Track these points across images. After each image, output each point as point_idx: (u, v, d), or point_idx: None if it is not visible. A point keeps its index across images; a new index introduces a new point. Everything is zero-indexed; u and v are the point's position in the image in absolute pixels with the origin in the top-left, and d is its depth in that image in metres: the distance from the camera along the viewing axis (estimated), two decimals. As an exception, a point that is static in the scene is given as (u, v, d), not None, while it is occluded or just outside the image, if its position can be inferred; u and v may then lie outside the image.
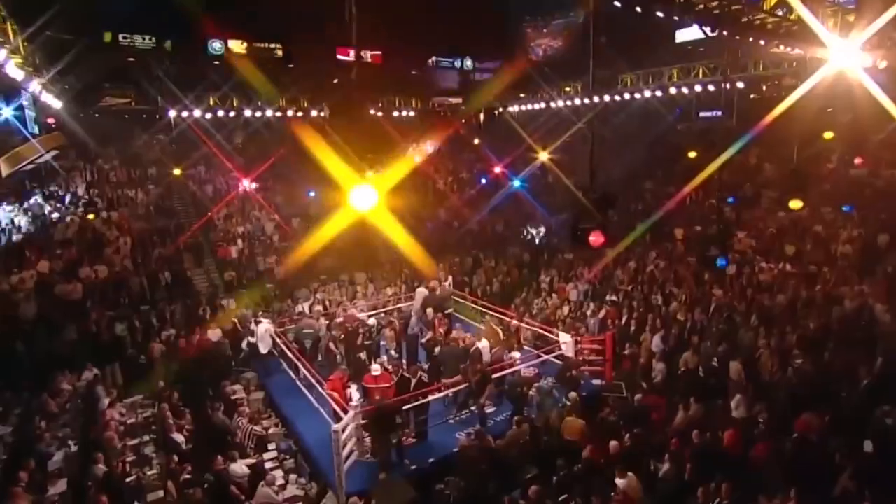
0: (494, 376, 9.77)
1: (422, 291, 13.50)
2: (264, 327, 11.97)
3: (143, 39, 21.77)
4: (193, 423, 9.88)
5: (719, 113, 22.30)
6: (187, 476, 8.22)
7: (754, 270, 15.23)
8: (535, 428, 9.04)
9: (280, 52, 25.09)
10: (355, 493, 7.67)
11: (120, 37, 21.36)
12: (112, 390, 10.79)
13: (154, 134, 20.46)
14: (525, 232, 20.71)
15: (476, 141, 26.14)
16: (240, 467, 8.29)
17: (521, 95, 24.51)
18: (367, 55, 27.43)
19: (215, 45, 22.94)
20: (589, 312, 14.32)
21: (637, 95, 20.94)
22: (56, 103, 15.40)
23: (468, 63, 28.64)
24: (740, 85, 18.92)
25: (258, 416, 10.11)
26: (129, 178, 20.51)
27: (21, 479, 7.90)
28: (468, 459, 8.22)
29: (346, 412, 8.48)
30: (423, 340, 11.40)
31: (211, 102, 19.11)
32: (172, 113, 18.76)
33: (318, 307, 14.78)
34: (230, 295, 16.42)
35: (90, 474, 8.10)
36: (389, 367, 9.50)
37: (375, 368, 9.10)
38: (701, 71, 20.25)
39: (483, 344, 10.33)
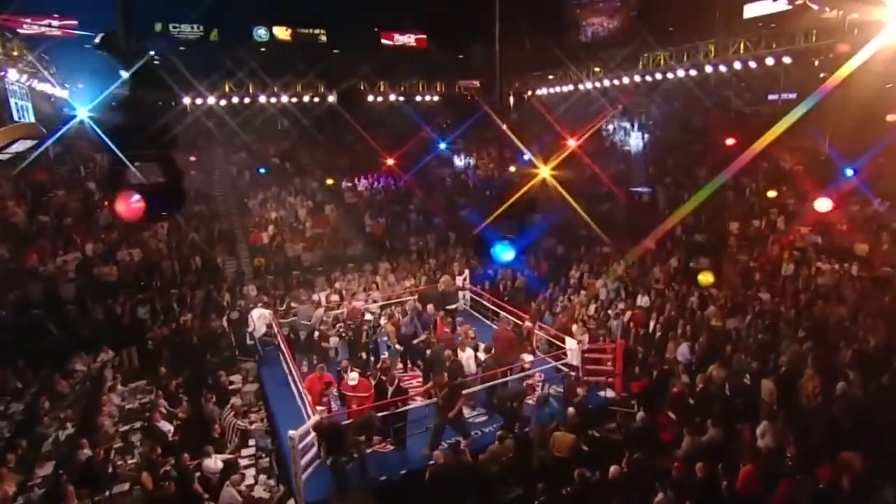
0: (486, 385, 9.12)
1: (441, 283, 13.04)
2: (258, 313, 11.91)
3: (192, 28, 22.37)
4: (188, 412, 9.96)
5: (793, 95, 20.08)
6: (167, 468, 8.20)
7: (812, 272, 13.54)
8: (523, 444, 8.35)
9: (324, 38, 25.05)
10: (315, 501, 7.35)
11: (170, 26, 22.06)
12: (117, 375, 11.07)
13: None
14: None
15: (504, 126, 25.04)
16: (214, 462, 8.20)
17: (550, 77, 23.12)
18: (412, 39, 26.96)
19: (260, 32, 23.21)
20: (613, 314, 13.25)
21: (693, 72, 19.07)
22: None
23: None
24: (787, 60, 16.82)
25: (248, 409, 10.04)
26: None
27: (8, 460, 8.21)
28: (442, 475, 7.69)
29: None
30: (416, 341, 10.87)
31: (227, 89, 19.32)
32: (187, 100, 19.09)
33: (335, 297, 14.65)
34: (257, 281, 16.60)
35: (73, 459, 8.30)
36: (371, 373, 9.05)
37: (353, 377, 8.69)
38: (743, 45, 18.13)
39: (467, 353, 9.65)
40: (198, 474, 7.88)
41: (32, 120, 13.68)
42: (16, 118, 11.93)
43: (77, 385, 10.66)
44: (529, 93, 23.86)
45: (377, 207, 21.03)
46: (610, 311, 13.42)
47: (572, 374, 10.27)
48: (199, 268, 16.75)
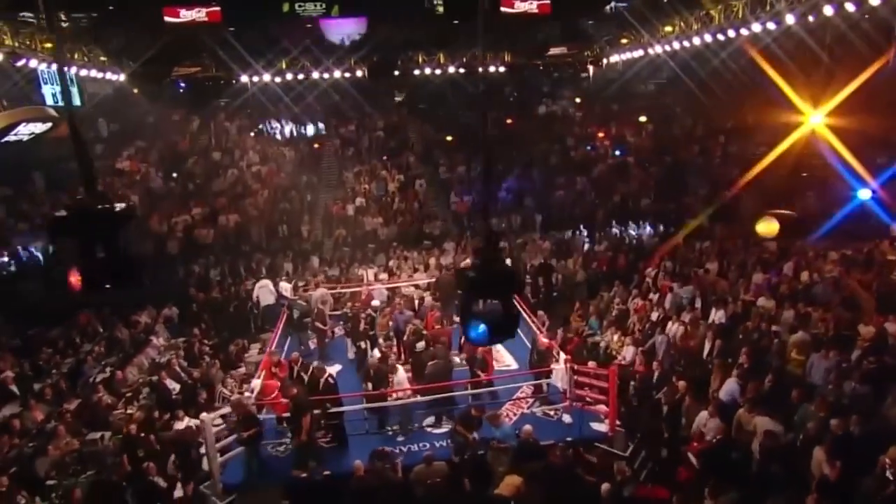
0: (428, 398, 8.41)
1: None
2: (262, 283, 12.43)
3: (315, 6, 23.65)
4: (203, 373, 10.93)
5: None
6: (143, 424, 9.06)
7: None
8: (458, 469, 7.55)
9: (441, 9, 24.65)
10: (232, 486, 7.57)
11: (296, 6, 23.58)
12: (165, 329, 12.56)
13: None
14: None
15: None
16: (183, 426, 8.87)
17: (623, 41, 19.61)
18: (534, 5, 25.06)
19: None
20: (672, 328, 11.16)
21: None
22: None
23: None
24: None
25: (247, 379, 10.63)
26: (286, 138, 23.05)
27: (45, 393, 9.88)
28: (361, 488, 7.35)
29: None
30: (405, 338, 10.35)
31: (284, 66, 19.94)
32: (244, 78, 20.11)
33: (384, 275, 14.73)
34: (337, 253, 17.37)
35: (88, 400, 9.69)
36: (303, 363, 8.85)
37: (255, 384, 8.57)
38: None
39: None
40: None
41: (78, 104, 15.90)
42: (49, 103, 13.91)
43: (137, 335, 12.33)
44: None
45: (466, 184, 20.44)
46: (672, 324, 11.34)
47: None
48: (284, 235, 18.11)
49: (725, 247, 14.87)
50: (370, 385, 8.80)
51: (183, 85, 20.91)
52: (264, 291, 12.80)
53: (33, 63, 12.52)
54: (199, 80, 20.49)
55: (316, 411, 8.11)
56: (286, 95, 21.20)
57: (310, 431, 7.95)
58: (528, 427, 7.89)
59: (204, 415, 7.82)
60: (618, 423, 8.79)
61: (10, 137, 10.51)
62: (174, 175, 19.81)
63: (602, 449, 8.21)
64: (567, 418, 8.82)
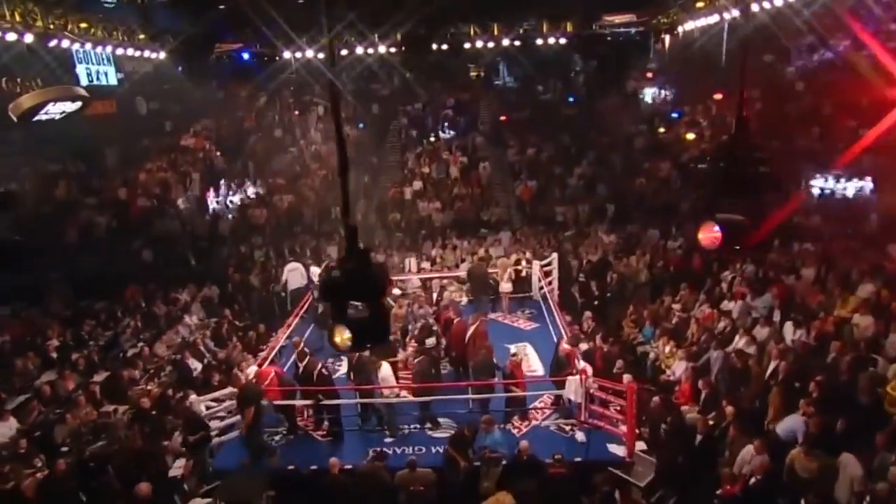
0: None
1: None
2: (291, 267, 12.85)
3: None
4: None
5: None
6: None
7: None
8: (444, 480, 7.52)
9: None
10: (221, 471, 8.07)
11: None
12: (202, 309, 13.51)
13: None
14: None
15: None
16: (198, 404, 9.54)
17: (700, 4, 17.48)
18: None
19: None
20: (739, 342, 10.25)
21: None
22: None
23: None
24: None
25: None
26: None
27: (78, 363, 11.06)
28: (334, 484, 7.57)
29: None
30: (415, 333, 10.34)
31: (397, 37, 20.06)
32: (287, 54, 20.48)
33: (426, 264, 14.83)
34: (387, 238, 17.72)
35: (115, 373, 10.73)
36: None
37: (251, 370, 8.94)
38: None
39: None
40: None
41: (114, 83, 17.06)
42: (83, 83, 14.99)
43: (170, 312, 13.38)
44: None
45: (533, 168, 19.95)
46: (739, 339, 10.40)
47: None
48: (336, 218, 18.72)
49: (831, 250, 13.32)
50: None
51: (237, 59, 21.92)
52: (294, 275, 13.36)
53: (65, 44, 13.69)
54: (257, 55, 21.51)
55: (307, 402, 8.42)
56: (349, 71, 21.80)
57: (251, 424, 8.28)
58: (524, 443, 7.67)
59: (193, 396, 8.36)
60: (642, 447, 8.27)
61: (42, 116, 11.74)
62: (237, 154, 21.14)
63: (615, 475, 7.74)
64: (580, 436, 8.42)
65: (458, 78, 24.63)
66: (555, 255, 13.52)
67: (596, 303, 12.91)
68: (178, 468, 8.59)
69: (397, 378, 8.92)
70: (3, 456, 8.58)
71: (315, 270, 13.21)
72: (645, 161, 19.53)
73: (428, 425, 8.86)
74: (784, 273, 12.47)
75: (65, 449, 8.91)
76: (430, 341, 9.67)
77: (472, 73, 26.02)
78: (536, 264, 12.91)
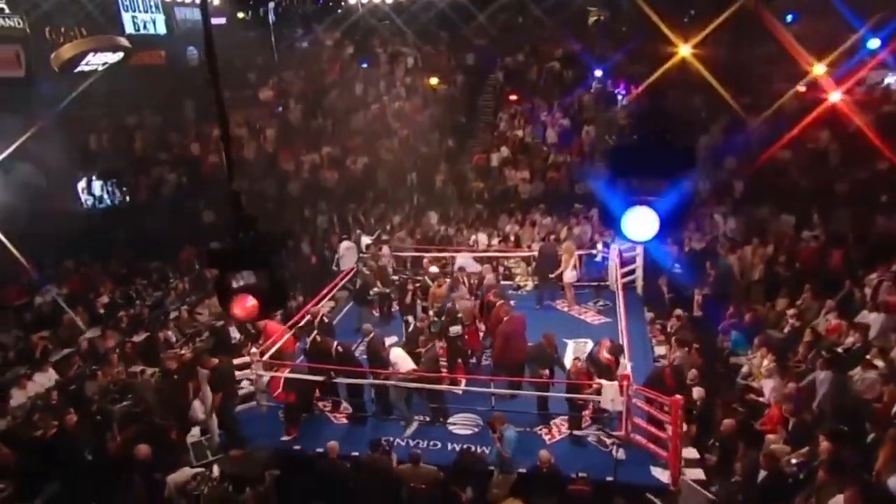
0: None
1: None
2: (346, 245, 13.39)
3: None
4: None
5: None
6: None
7: None
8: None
9: None
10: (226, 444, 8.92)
11: None
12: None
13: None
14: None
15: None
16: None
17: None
18: None
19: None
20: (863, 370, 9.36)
21: None
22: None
23: None
24: None
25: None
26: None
27: (121, 319, 12.58)
28: (324, 469, 8.12)
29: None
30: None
31: None
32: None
33: (496, 241, 14.95)
34: (471, 209, 17.95)
35: (153, 335, 12.11)
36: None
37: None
38: None
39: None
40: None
41: (163, 32, 18.13)
42: (128, 31, 16.05)
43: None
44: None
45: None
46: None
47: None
48: (413, 184, 19.27)
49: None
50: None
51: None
52: (351, 253, 13.94)
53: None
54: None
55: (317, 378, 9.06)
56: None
57: (217, 409, 8.96)
58: (544, 452, 7.65)
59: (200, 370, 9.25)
60: (698, 477, 7.93)
61: (84, 68, 13.11)
62: (315, 110, 22.27)
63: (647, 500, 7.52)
64: (621, 453, 8.21)
65: (571, 24, 23.96)
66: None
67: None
68: (193, 436, 9.68)
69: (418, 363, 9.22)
70: (37, 405, 10.13)
71: (366, 240, 13.78)
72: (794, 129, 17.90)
73: (449, 420, 9.13)
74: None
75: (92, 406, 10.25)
76: (455, 329, 9.83)
77: (592, 17, 25.23)
78: (615, 248, 12.46)
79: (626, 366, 8.35)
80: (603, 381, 8.15)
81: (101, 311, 13.07)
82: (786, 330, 11.15)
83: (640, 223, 5.25)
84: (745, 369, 10.39)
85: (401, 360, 9.07)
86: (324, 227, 17.15)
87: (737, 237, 14.44)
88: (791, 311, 11.29)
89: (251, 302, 4.40)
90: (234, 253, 4.30)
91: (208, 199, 17.95)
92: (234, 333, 12.25)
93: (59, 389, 10.43)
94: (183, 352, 11.73)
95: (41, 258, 14.05)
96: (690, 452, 8.55)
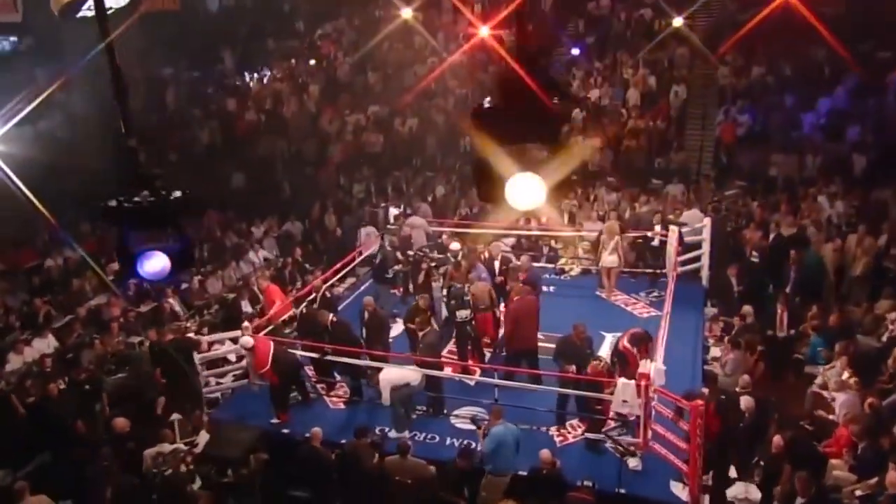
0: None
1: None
2: (366, 231, 13.67)
3: None
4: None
5: None
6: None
7: None
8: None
9: None
10: (217, 421, 9.47)
11: None
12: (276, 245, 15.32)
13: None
14: None
15: None
16: (223, 350, 11.18)
17: None
18: None
19: None
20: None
21: None
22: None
23: None
24: None
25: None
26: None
27: (130, 289, 13.44)
28: (305, 455, 8.47)
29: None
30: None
31: None
32: None
33: (543, 218, 14.83)
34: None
35: (158, 304, 12.92)
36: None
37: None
38: None
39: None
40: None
41: None
42: None
43: (238, 245, 15.31)
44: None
45: (752, 96, 18.29)
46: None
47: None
48: (465, 151, 19.32)
49: None
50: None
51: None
52: (370, 238, 14.22)
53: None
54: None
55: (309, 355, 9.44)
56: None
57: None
58: (546, 452, 7.66)
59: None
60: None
61: (87, 13, 13.68)
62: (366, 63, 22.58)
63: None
64: (633, 462, 8.10)
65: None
66: (707, 220, 12.47)
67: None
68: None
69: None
70: (32, 371, 11.03)
71: (394, 212, 14.03)
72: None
73: (453, 413, 9.29)
74: None
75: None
76: (463, 314, 9.89)
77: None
78: (674, 230, 12.05)
79: (647, 364, 8.15)
80: (621, 380, 8.02)
81: (111, 277, 13.95)
82: (884, 338, 10.59)
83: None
84: (818, 380, 9.97)
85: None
86: (360, 197, 17.52)
87: (842, 224, 13.74)
88: (893, 316, 10.69)
89: (160, 260, 4.62)
90: (136, 211, 4.51)
91: (240, 159, 18.76)
92: (246, 308, 12.86)
93: (54, 356, 11.31)
94: (188, 324, 12.44)
95: (59, 217, 15.13)
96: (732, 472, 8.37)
